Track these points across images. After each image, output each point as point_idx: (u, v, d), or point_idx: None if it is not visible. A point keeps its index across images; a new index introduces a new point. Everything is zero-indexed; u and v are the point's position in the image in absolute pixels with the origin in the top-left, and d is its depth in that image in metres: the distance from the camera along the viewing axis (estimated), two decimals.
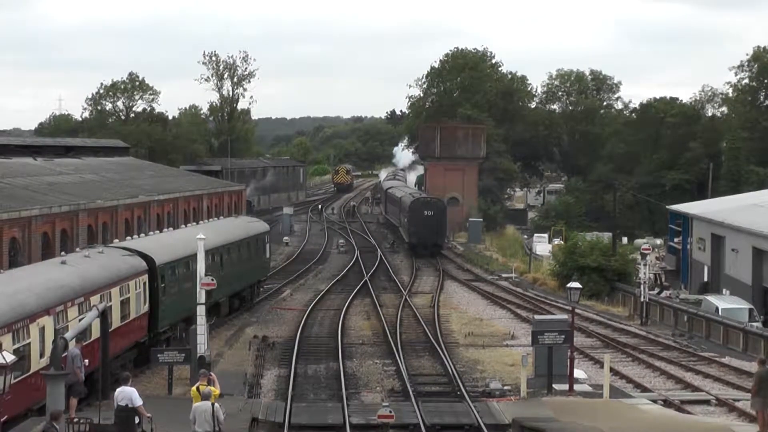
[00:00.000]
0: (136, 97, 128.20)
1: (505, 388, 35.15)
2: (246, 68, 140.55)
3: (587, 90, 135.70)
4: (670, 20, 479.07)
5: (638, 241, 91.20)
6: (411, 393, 33.94)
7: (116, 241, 45.48)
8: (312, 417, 31.13)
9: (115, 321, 33.55)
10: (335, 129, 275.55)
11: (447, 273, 71.84)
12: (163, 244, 41.94)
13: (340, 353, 41.40)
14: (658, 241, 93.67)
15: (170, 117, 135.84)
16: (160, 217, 69.47)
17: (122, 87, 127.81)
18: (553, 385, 33.88)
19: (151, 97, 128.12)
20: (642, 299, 54.42)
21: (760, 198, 70.39)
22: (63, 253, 39.57)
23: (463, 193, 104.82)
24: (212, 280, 33.98)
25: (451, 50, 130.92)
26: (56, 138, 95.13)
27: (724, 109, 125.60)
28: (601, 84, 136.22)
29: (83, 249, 39.54)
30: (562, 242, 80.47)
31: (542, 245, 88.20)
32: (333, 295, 60.51)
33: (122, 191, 66.71)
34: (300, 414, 31.23)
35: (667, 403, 33.35)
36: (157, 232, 49.59)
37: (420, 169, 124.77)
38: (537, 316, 42.89)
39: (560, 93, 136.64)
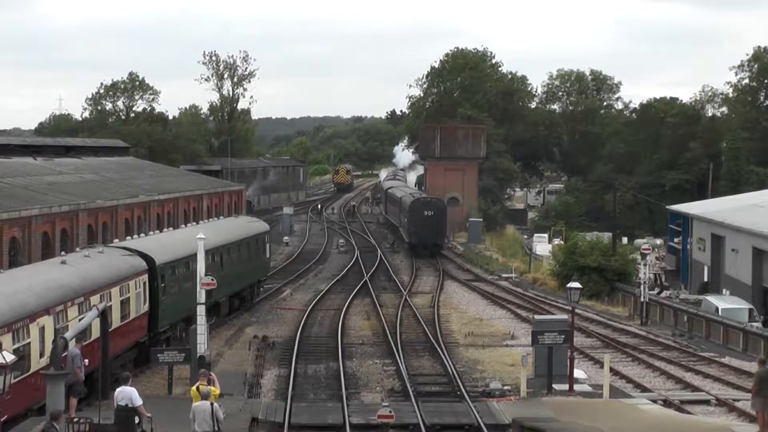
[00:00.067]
0: (136, 97, 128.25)
1: (505, 388, 35.14)
2: (246, 68, 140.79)
3: (587, 90, 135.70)
4: (670, 20, 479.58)
5: (638, 241, 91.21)
6: (411, 393, 33.93)
7: (116, 240, 45.50)
8: (312, 417, 31.12)
9: (115, 321, 33.54)
10: (335, 129, 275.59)
11: (447, 273, 71.84)
12: (163, 244, 41.94)
13: (340, 353, 41.39)
14: (658, 241, 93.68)
15: (170, 117, 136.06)
16: (160, 216, 69.47)
17: (122, 87, 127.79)
18: (553, 385, 33.88)
19: (151, 97, 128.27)
20: (642, 299, 54.41)
21: (760, 198, 70.39)
22: (63, 252, 39.57)
23: (463, 193, 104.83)
24: (212, 279, 33.97)
25: (451, 50, 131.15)
26: (56, 138, 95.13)
27: (724, 109, 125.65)
28: (601, 84, 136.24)
29: (83, 249, 39.55)
30: (562, 242, 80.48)
31: (542, 245, 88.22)
32: (333, 295, 60.51)
33: (122, 191, 66.71)
34: (300, 414, 31.23)
35: (667, 403, 33.35)
36: (157, 231, 49.60)
37: (420, 169, 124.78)
38: (537, 316, 42.89)
39: (560, 93, 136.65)
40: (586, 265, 63.77)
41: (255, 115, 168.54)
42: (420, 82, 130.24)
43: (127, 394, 23.11)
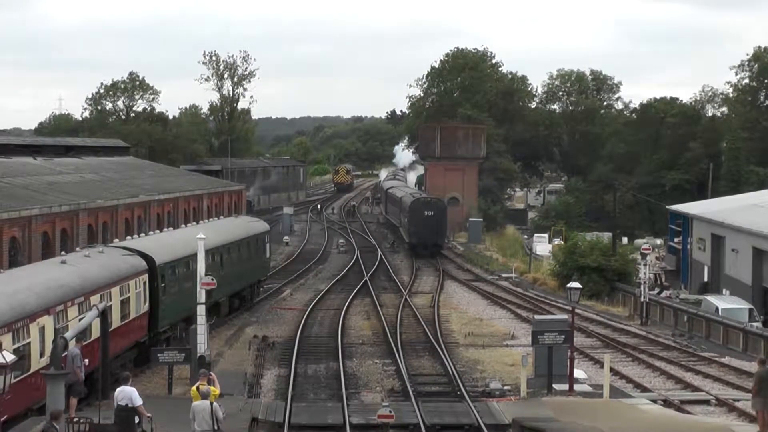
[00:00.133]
0: (137, 97, 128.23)
1: (505, 388, 35.13)
2: (246, 68, 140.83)
3: (587, 90, 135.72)
4: (670, 20, 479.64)
5: (638, 241, 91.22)
6: (411, 393, 33.93)
7: (116, 240, 45.51)
8: (312, 417, 31.12)
9: (115, 321, 33.54)
10: (335, 129, 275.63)
11: (447, 273, 71.83)
12: (163, 244, 41.94)
13: (340, 353, 41.39)
14: (658, 241, 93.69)
15: (170, 117, 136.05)
16: (160, 216, 69.48)
17: (122, 87, 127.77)
18: (553, 385, 33.88)
19: (152, 96, 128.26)
20: (642, 299, 54.41)
21: (760, 198, 70.40)
22: (63, 252, 39.58)
23: (463, 193, 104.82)
24: (212, 279, 33.98)
25: (451, 50, 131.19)
26: (56, 138, 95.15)
27: (724, 109, 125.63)
28: (601, 84, 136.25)
29: (83, 248, 39.53)
30: (562, 242, 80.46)
31: (542, 245, 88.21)
32: (333, 295, 60.51)
33: (122, 191, 66.72)
34: (300, 414, 31.23)
35: (667, 403, 33.35)
36: (157, 231, 49.61)
37: (420, 169, 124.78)
38: (537, 316, 42.88)
39: (560, 93, 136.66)
40: (586, 265, 63.76)
41: (255, 115, 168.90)
42: (420, 82, 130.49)
43: (127, 394, 23.11)
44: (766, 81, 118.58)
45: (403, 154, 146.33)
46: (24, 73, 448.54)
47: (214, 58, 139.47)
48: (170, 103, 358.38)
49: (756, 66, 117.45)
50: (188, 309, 38.23)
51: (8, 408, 23.82)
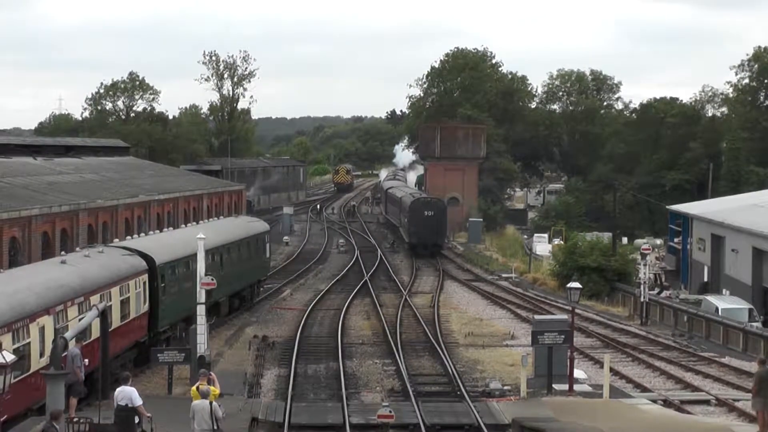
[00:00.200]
0: (137, 97, 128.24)
1: (505, 388, 35.13)
2: (246, 68, 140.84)
3: (587, 90, 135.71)
4: (670, 20, 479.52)
5: (638, 241, 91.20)
6: (411, 393, 33.92)
7: (116, 240, 45.49)
8: (312, 417, 31.12)
9: (115, 321, 33.54)
10: (335, 129, 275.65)
11: (447, 273, 71.83)
12: (163, 244, 41.93)
13: (340, 353, 41.40)
14: (658, 241, 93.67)
15: (170, 117, 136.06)
16: (160, 216, 69.47)
17: (122, 87, 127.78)
18: (553, 385, 33.88)
19: (152, 96, 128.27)
20: (642, 299, 54.40)
21: (760, 198, 70.39)
22: (63, 252, 39.58)
23: (463, 193, 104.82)
24: (212, 279, 33.98)
25: (451, 50, 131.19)
26: (56, 138, 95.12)
27: (724, 109, 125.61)
28: (601, 84, 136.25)
29: (83, 248, 39.53)
30: (562, 242, 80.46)
31: (542, 245, 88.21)
32: (333, 295, 60.51)
33: (122, 191, 66.72)
34: (300, 414, 31.23)
35: (667, 403, 33.35)
36: (157, 231, 49.60)
37: (420, 169, 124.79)
38: (537, 316, 42.88)
39: (560, 93, 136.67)
40: (586, 265, 63.76)
41: (255, 115, 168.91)
42: (420, 82, 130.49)
43: (127, 393, 23.10)
44: (766, 81, 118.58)
45: (403, 154, 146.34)
46: (24, 73, 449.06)
47: (214, 58, 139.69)
48: (170, 103, 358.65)
49: (756, 66, 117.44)
50: (188, 309, 38.22)
51: (8, 408, 23.81)
